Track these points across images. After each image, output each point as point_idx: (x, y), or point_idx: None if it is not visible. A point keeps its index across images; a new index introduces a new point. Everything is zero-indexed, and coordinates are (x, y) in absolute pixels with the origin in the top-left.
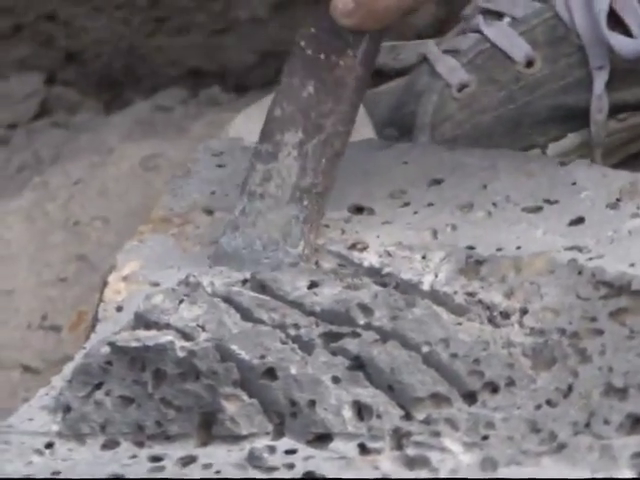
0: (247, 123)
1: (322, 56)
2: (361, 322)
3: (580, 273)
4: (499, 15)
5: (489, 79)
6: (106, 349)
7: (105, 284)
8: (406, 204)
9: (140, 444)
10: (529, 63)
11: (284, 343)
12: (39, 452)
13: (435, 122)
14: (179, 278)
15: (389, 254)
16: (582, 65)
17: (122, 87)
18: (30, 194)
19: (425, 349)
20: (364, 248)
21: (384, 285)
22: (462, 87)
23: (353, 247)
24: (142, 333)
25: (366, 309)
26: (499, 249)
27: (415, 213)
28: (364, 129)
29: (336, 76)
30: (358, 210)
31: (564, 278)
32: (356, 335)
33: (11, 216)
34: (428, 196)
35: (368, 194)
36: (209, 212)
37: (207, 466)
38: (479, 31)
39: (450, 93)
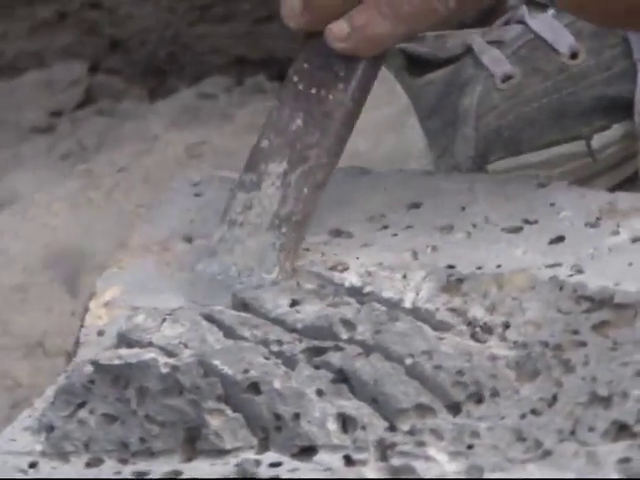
0: None
1: (313, 90)
2: (344, 337)
3: (561, 289)
4: (543, 6)
5: (533, 70)
6: (89, 368)
7: (86, 310)
8: (385, 227)
9: (124, 461)
10: (573, 54)
11: (267, 358)
12: (23, 471)
13: (479, 113)
14: (160, 302)
15: (370, 274)
16: (626, 56)
17: (166, 75)
18: (74, 182)
19: (408, 361)
20: (344, 269)
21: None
22: (506, 78)
23: (334, 268)
24: (125, 351)
25: (349, 324)
26: (479, 268)
27: (394, 235)
28: (410, 120)
29: (325, 110)
30: (337, 233)
31: (545, 293)
32: (339, 349)
33: (56, 203)
34: (407, 219)
35: (347, 218)
36: (188, 239)
37: None
38: (524, 22)
39: (494, 84)
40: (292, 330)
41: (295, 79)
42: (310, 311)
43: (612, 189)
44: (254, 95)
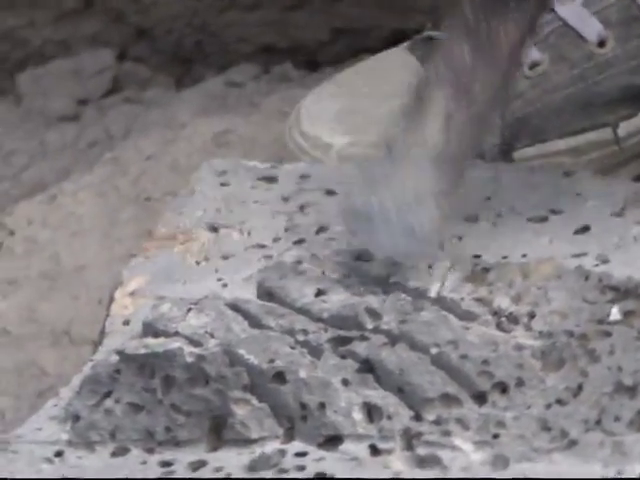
0: (318, 102)
1: (483, 21)
2: (369, 326)
3: (587, 278)
4: None
5: (561, 58)
6: (115, 358)
7: (111, 299)
8: None
9: (150, 450)
10: (601, 43)
11: (293, 348)
12: (49, 460)
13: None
14: (185, 292)
15: (395, 264)
16: None
17: (193, 63)
18: (101, 170)
19: (434, 350)
20: (370, 259)
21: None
22: (534, 65)
23: (359, 258)
24: (150, 341)
25: (374, 314)
26: (505, 257)
27: None
28: None
29: (493, 42)
30: None
31: (571, 283)
32: (365, 339)
33: (82, 192)
34: None
35: None
36: (214, 229)
37: (218, 470)
38: (552, 10)
39: (522, 71)
40: (318, 319)
41: (467, 9)
42: (336, 300)
43: (637, 177)
44: (281, 83)
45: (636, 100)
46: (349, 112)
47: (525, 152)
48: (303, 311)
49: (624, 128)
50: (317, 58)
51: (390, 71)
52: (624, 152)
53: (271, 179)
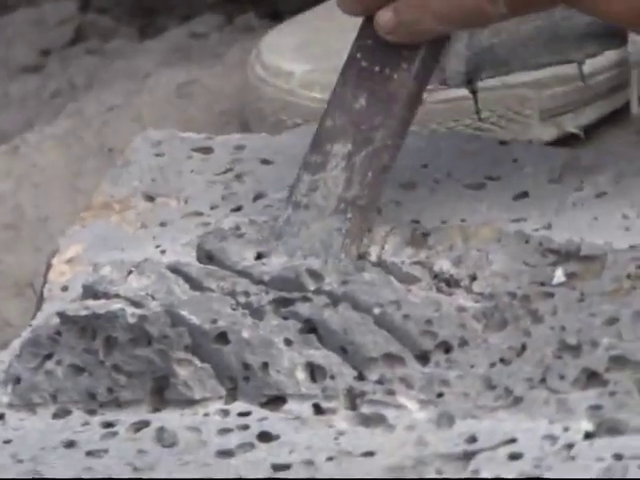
0: (279, 39)
1: (377, 68)
2: (311, 287)
3: (527, 242)
4: None
5: None
6: (55, 320)
7: (49, 267)
8: None
9: (92, 412)
10: None
11: (234, 309)
12: None
13: (472, 29)
14: (123, 259)
15: None
16: None
17: (156, 14)
18: (64, 121)
19: (377, 310)
20: None
21: None
22: None
23: None
24: (92, 302)
25: (316, 275)
26: (444, 222)
27: None
28: None
29: (389, 90)
30: None
31: (512, 246)
32: (307, 300)
33: (45, 142)
34: None
35: None
36: (150, 198)
37: (160, 430)
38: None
39: None
40: (259, 282)
41: (358, 56)
42: (276, 263)
43: (602, 120)
44: (244, 34)
45: (603, 38)
46: (309, 44)
47: (488, 82)
48: (244, 274)
49: (590, 65)
50: (280, 8)
51: None
52: (588, 91)
53: (206, 149)
